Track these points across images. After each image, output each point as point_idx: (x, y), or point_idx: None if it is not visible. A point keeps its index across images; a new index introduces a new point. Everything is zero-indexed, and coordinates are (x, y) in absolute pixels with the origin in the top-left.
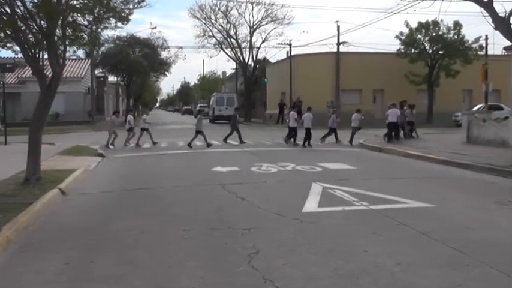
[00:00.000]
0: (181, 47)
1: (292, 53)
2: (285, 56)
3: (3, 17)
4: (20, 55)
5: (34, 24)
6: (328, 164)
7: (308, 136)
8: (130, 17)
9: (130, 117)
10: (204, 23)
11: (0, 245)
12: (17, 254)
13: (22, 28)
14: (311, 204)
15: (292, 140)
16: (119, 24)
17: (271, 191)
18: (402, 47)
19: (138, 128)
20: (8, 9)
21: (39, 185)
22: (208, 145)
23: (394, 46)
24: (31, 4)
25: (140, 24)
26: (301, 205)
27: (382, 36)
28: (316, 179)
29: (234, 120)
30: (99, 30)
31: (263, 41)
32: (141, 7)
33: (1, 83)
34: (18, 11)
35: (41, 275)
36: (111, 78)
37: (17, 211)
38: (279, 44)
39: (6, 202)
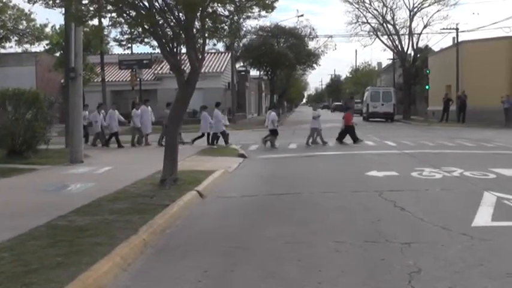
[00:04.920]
0: (331, 36)
1: (460, 39)
2: (450, 43)
3: (142, 11)
4: (157, 50)
5: (172, 17)
6: (504, 170)
7: None
8: (276, 4)
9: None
10: (357, 8)
11: (136, 247)
12: (154, 258)
13: (160, 22)
14: (483, 218)
15: None
16: (263, 12)
17: (435, 200)
18: None
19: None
20: (146, 3)
21: (176, 186)
22: None
23: None
24: None
25: (285, 12)
26: (470, 218)
27: None
28: (488, 187)
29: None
30: (241, 20)
31: (425, 26)
32: None
33: (138, 79)
34: (157, 4)
35: (178, 281)
36: (253, 73)
37: (154, 213)
38: (443, 29)
39: (143, 203)
